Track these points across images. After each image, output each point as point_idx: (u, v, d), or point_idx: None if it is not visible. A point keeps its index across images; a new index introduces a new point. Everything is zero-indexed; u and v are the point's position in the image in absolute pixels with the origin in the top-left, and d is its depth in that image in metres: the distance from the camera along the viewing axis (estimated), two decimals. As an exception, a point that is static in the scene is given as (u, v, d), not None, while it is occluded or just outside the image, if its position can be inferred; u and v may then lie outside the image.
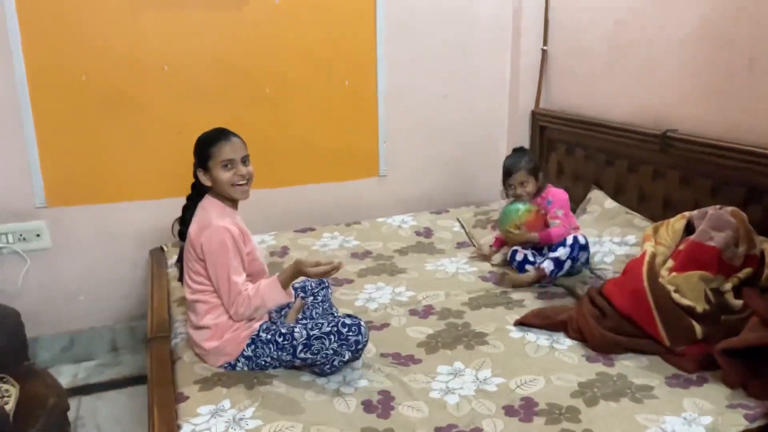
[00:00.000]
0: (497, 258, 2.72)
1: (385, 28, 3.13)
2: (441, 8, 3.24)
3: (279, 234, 3.02)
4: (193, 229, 1.90)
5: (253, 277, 1.95)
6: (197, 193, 2.00)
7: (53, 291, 2.85)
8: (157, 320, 2.12)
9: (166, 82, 2.82)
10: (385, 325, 2.17)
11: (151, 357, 1.89)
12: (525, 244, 2.58)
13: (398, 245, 2.96)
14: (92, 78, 2.70)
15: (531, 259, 2.54)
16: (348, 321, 1.84)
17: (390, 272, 2.62)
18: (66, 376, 2.86)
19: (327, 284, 2.34)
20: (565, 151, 3.21)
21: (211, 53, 2.86)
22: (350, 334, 1.81)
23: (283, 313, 2.14)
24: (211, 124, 2.89)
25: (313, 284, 2.28)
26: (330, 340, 1.80)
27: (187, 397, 1.71)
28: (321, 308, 2.21)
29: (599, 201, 2.86)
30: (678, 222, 2.10)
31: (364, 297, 2.39)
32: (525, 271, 2.51)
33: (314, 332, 1.82)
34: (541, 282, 2.46)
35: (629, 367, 1.89)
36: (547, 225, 2.55)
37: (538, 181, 2.60)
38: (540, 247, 2.58)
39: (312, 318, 2.16)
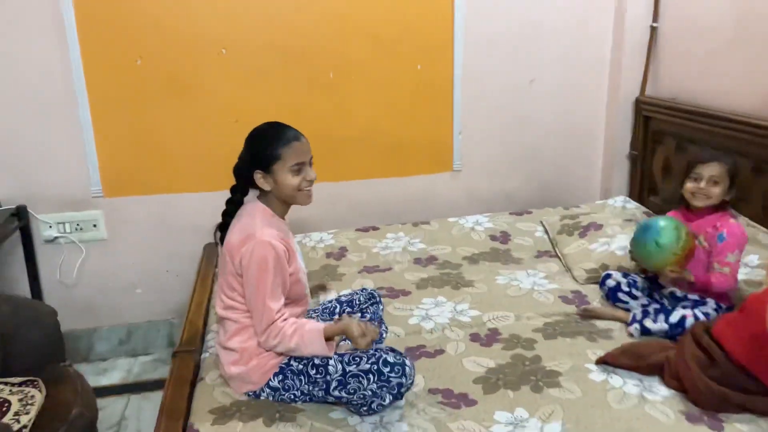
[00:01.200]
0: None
1: (464, 4, 2.78)
2: (529, -19, 2.83)
3: (339, 233, 2.78)
4: (234, 237, 1.65)
5: (291, 302, 1.70)
6: (242, 195, 1.75)
7: (110, 282, 2.78)
8: (189, 330, 1.94)
9: (224, 66, 2.64)
10: (440, 352, 1.87)
11: (170, 375, 1.71)
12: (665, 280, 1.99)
13: (469, 251, 2.63)
14: (147, 61, 2.56)
15: (627, 289, 2.09)
16: (391, 359, 1.55)
17: (454, 284, 2.31)
18: (120, 370, 2.79)
19: (378, 299, 2.06)
20: (674, 146, 2.72)
21: (270, 36, 2.65)
22: (392, 375, 1.53)
23: (323, 332, 1.89)
24: (270, 112, 2.73)
25: (361, 298, 2.01)
26: (369, 380, 1.53)
27: (196, 430, 1.50)
28: (368, 327, 1.94)
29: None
30: (819, 247, 1.63)
31: (421, 314, 2.10)
32: (618, 301, 2.09)
33: (351, 368, 1.56)
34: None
35: (743, 432, 1.49)
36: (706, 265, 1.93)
37: (729, 194, 1.95)
38: (653, 278, 2.06)
39: (356, 339, 1.89)
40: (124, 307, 2.83)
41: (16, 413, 1.76)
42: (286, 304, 1.65)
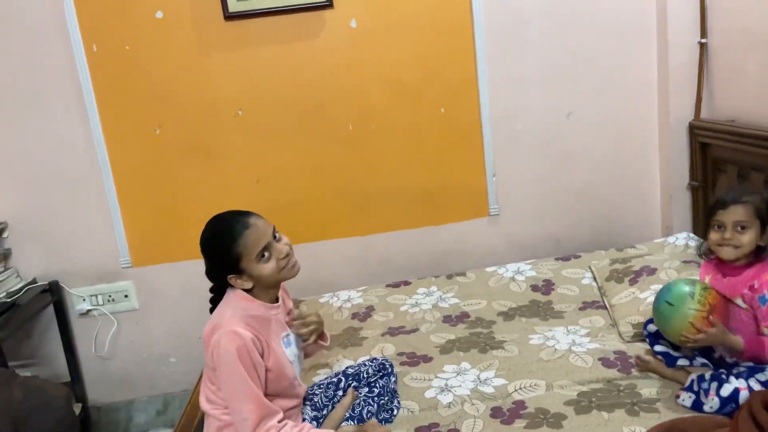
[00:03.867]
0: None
1: (486, 40, 2.61)
2: (556, 9, 2.63)
3: (368, 290, 2.62)
4: (207, 327, 1.55)
5: (277, 398, 1.55)
6: (219, 297, 1.64)
7: (143, 352, 2.77)
8: (188, 414, 1.84)
9: (241, 127, 2.61)
10: (453, 432, 1.66)
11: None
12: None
13: (506, 305, 2.40)
14: (165, 130, 2.58)
15: (676, 352, 1.78)
16: None
17: (482, 347, 2.08)
18: (158, 441, 2.75)
19: (390, 369, 1.88)
20: (737, 174, 2.39)
21: (286, 92, 2.59)
22: None
23: (324, 412, 1.73)
24: (291, 170, 2.66)
25: (370, 371, 1.84)
26: None
27: None
28: (377, 404, 1.76)
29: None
30: None
31: (440, 384, 1.89)
32: (675, 366, 1.78)
33: None
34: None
35: None
36: (757, 331, 1.61)
37: (764, 238, 1.62)
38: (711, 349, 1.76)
39: (362, 419, 1.72)
40: (159, 377, 2.80)
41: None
42: (272, 399, 1.51)
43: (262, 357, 1.51)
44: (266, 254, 1.53)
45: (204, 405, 1.58)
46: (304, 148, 2.65)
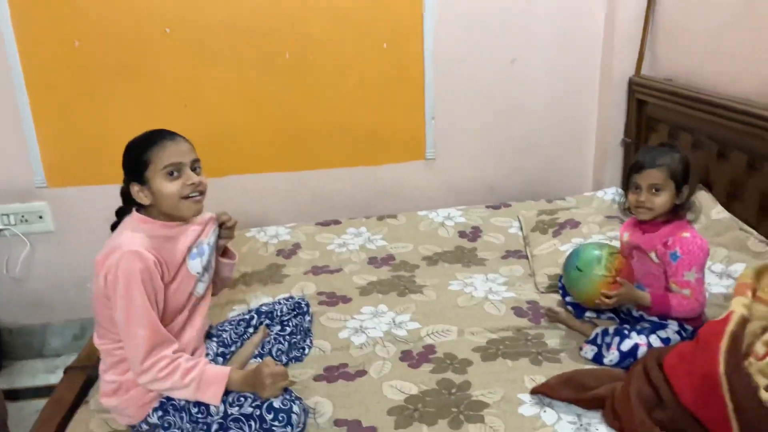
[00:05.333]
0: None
1: (435, -24, 2.50)
2: (508, -53, 2.53)
3: (296, 227, 2.57)
4: (101, 252, 1.45)
5: (171, 312, 1.50)
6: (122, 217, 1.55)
7: (60, 276, 2.67)
8: (91, 345, 1.79)
9: (169, 47, 2.45)
10: (361, 374, 1.66)
11: (53, 396, 1.56)
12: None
13: (432, 250, 2.40)
14: (85, 44, 2.39)
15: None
16: (277, 404, 1.35)
17: (401, 291, 2.09)
18: (73, 366, 2.69)
19: (305, 309, 1.87)
20: (667, 134, 2.41)
21: (219, 12, 2.43)
22: (276, 423, 1.33)
23: (232, 348, 1.70)
24: (221, 97, 2.53)
25: (284, 309, 1.82)
26: (250, 426, 1.34)
27: (53, 469, 1.35)
28: (288, 343, 1.75)
29: (705, 207, 2.06)
30: (798, 267, 1.35)
31: (355, 325, 1.89)
32: (583, 317, 1.82)
33: (233, 410, 1.37)
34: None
35: (685, 491, 1.24)
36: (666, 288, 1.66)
37: (679, 197, 1.65)
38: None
39: (273, 356, 1.70)
40: (77, 301, 2.71)
41: None
42: (166, 320, 1.46)
43: (163, 279, 1.45)
44: (175, 173, 1.46)
45: (96, 341, 1.52)
46: (237, 74, 2.52)
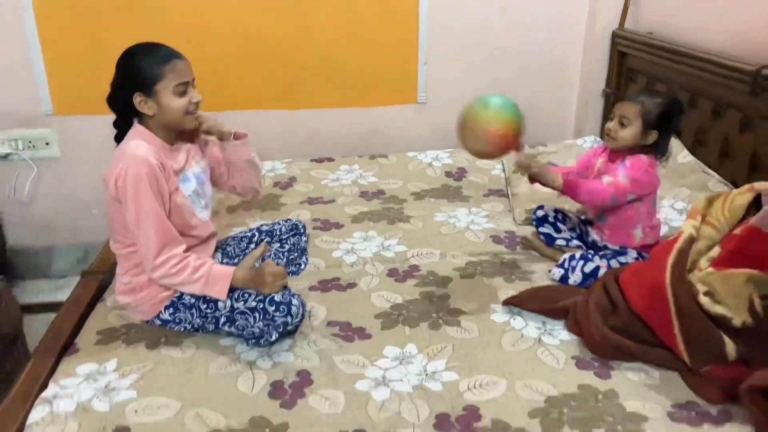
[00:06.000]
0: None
1: None
2: None
3: (292, 162, 2.72)
4: (110, 166, 1.56)
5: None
6: (127, 128, 1.65)
7: (65, 202, 2.80)
8: (105, 252, 1.95)
9: (174, -17, 2.54)
10: (352, 286, 1.84)
11: (72, 294, 1.72)
12: (536, 182, 1.84)
13: (420, 186, 2.56)
14: (93, -24, 2.48)
15: (553, 221, 2.01)
16: (278, 298, 1.52)
17: (390, 219, 2.25)
18: (77, 287, 2.85)
19: (302, 230, 2.03)
20: (645, 84, 2.56)
21: (222, -49, 2.52)
22: (277, 313, 1.50)
23: (235, 261, 1.87)
24: (224, 33, 2.64)
25: (283, 229, 1.98)
26: (255, 317, 1.51)
27: (77, 350, 1.51)
28: (286, 258, 1.92)
29: (673, 152, 2.24)
30: (742, 196, 1.52)
31: (346, 247, 2.06)
32: (542, 232, 2.00)
33: (239, 305, 1.53)
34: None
35: (630, 382, 1.44)
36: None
37: (645, 137, 1.76)
38: (584, 219, 1.99)
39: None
40: (81, 226, 2.86)
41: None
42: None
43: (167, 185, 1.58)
44: (183, 90, 1.57)
45: (111, 246, 1.67)
46: (237, 12, 2.61)
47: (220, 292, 1.54)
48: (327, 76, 2.78)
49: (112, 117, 2.62)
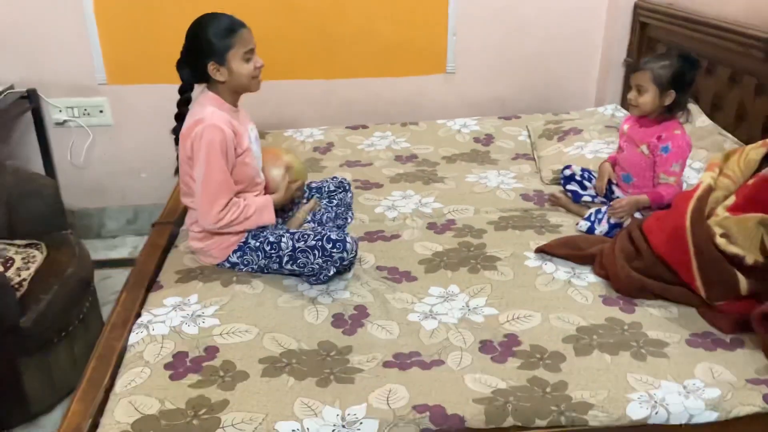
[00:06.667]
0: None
1: None
2: None
3: (329, 129, 2.89)
4: (186, 124, 1.77)
5: (238, 185, 1.81)
6: (191, 91, 1.84)
7: (117, 166, 2.99)
8: (171, 205, 2.14)
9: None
10: (395, 237, 2.02)
11: (147, 241, 1.91)
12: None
13: (450, 151, 2.73)
14: (145, -48, 2.63)
15: (580, 179, 2.18)
16: (333, 236, 1.71)
17: (425, 180, 2.42)
18: (128, 246, 3.05)
19: (347, 187, 2.21)
20: (664, 52, 2.69)
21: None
22: (334, 250, 1.69)
23: (290, 214, 2.06)
24: (262, 7, 2.80)
25: (331, 186, 2.16)
26: (314, 255, 1.70)
27: (161, 286, 1.71)
28: (335, 212, 2.10)
29: (692, 116, 2.39)
30: (756, 150, 1.68)
31: (387, 204, 2.24)
32: (568, 190, 2.18)
33: (300, 245, 1.72)
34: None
35: (652, 316, 1.62)
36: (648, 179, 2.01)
37: (663, 99, 1.92)
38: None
39: (322, 223, 2.06)
40: (131, 189, 3.06)
41: (18, 269, 2.01)
42: (240, 189, 1.80)
43: (236, 151, 1.77)
44: (250, 57, 1.75)
45: (184, 200, 1.86)
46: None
47: (269, 218, 1.79)
48: (360, 46, 2.94)
49: (162, 86, 2.83)
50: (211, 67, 1.75)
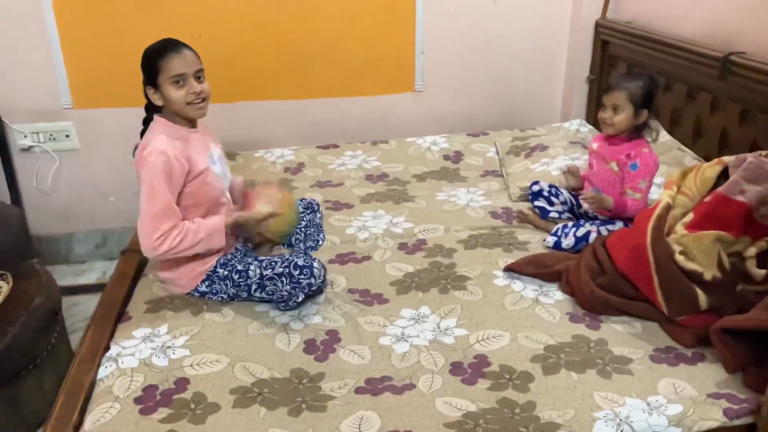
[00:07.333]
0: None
1: None
2: None
3: (300, 149, 2.90)
4: (137, 151, 1.77)
5: (205, 206, 1.82)
6: (151, 114, 1.84)
7: (84, 190, 2.96)
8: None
9: (187, -20, 2.69)
10: (366, 258, 2.04)
11: (116, 270, 1.90)
12: (579, 194, 2.11)
13: (420, 169, 2.76)
14: (110, -25, 2.63)
15: (547, 195, 2.22)
16: (300, 262, 1.71)
17: (396, 200, 2.45)
18: (97, 271, 3.02)
19: (316, 208, 2.22)
20: (625, 70, 2.77)
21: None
22: (302, 277, 1.70)
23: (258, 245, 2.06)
24: (233, 27, 2.81)
25: (299, 207, 2.17)
26: (282, 282, 1.70)
27: (130, 318, 1.70)
28: (303, 234, 2.11)
29: (658, 135, 2.46)
30: (711, 169, 1.74)
31: (358, 225, 2.26)
32: (537, 206, 2.22)
33: (267, 272, 1.73)
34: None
35: (617, 332, 1.66)
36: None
37: (638, 117, 2.00)
38: (574, 194, 2.21)
39: (292, 245, 2.07)
40: (99, 213, 3.02)
41: (-16, 300, 1.98)
42: (199, 214, 1.79)
43: (187, 174, 1.75)
44: (180, 82, 1.73)
45: None
46: (245, 4, 2.77)
47: (219, 242, 1.76)
48: (330, 66, 2.96)
49: (128, 110, 2.82)
50: (149, 92, 1.77)
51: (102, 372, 1.48)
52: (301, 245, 2.08)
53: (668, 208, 1.71)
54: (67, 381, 1.44)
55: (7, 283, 2.08)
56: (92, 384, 1.46)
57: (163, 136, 1.74)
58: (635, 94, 1.98)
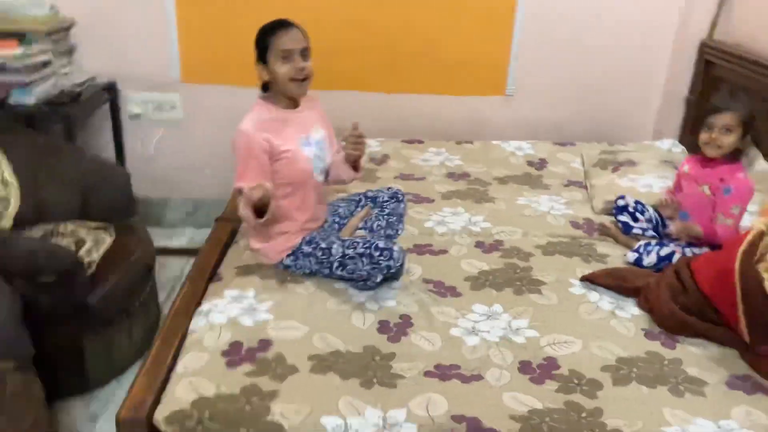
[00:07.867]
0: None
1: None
2: None
3: (386, 141, 2.98)
4: None
5: (292, 185, 1.91)
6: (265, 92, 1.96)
7: (182, 160, 3.15)
8: (233, 202, 2.26)
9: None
10: (443, 252, 2.08)
11: (210, 235, 2.03)
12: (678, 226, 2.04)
13: (503, 173, 2.77)
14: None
15: (633, 211, 2.20)
16: (381, 244, 1.78)
17: (476, 199, 2.48)
18: (186, 237, 3.20)
19: (400, 198, 2.28)
20: (728, 93, 2.69)
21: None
22: (381, 258, 1.76)
23: (345, 221, 2.14)
24: (335, 19, 2.92)
25: (385, 196, 2.24)
26: (363, 262, 1.78)
27: (221, 279, 1.82)
28: (386, 221, 2.18)
29: (754, 161, 2.39)
30: (812, 200, 1.69)
31: (437, 219, 2.31)
32: (620, 221, 2.20)
33: (349, 252, 1.81)
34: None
35: (693, 354, 1.63)
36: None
37: (743, 143, 1.99)
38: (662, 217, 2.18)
39: (373, 230, 2.14)
40: (193, 183, 3.20)
41: (89, 250, 2.15)
42: (287, 192, 1.88)
43: (270, 153, 1.85)
44: (286, 58, 1.83)
45: None
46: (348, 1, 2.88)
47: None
48: (423, 63, 3.02)
49: (231, 88, 2.97)
50: (259, 68, 1.88)
51: (193, 324, 1.60)
52: (382, 231, 2.15)
53: (761, 235, 1.67)
54: (163, 329, 1.57)
55: (111, 236, 2.26)
56: (184, 335, 1.58)
57: (252, 115, 1.87)
58: (746, 118, 1.97)
